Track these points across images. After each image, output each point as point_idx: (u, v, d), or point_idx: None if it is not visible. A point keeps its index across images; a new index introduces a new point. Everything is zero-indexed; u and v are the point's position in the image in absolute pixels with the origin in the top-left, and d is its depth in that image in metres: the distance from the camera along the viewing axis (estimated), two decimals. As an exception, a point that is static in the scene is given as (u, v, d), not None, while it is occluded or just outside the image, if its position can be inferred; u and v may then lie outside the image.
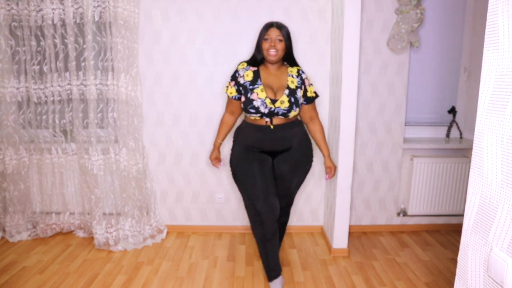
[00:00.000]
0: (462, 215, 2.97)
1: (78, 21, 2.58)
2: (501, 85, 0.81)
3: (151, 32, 2.73)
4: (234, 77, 2.15)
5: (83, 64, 2.65)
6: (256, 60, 2.12)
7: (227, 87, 2.17)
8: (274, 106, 2.03)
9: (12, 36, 2.63)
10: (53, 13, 2.57)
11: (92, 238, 2.80)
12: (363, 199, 2.97)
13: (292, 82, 2.12)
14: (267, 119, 2.08)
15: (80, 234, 2.87)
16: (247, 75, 2.11)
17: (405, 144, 2.88)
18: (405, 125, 2.98)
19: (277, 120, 2.08)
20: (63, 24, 2.60)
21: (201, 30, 2.73)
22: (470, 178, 0.94)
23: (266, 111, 2.03)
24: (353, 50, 2.38)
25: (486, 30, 0.86)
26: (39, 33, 2.62)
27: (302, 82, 2.16)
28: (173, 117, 2.85)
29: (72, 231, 2.93)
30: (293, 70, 2.17)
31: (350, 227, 2.95)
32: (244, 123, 2.20)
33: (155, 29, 2.72)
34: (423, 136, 3.05)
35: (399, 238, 2.90)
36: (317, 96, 2.24)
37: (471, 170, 0.93)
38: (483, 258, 0.89)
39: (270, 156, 2.16)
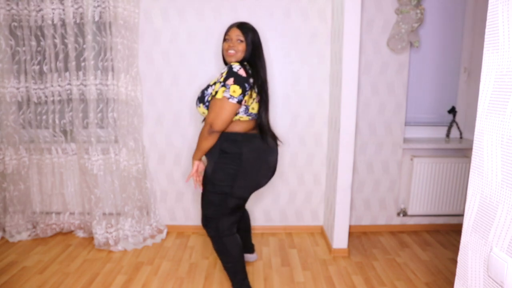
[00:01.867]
0: (462, 215, 2.97)
1: (78, 21, 2.58)
2: (501, 85, 0.81)
3: (151, 32, 2.73)
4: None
5: (83, 64, 2.65)
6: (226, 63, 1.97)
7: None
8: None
9: (12, 36, 2.63)
10: (53, 13, 2.57)
11: (92, 238, 2.80)
12: (363, 199, 2.97)
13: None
14: None
15: (80, 234, 2.87)
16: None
17: (405, 144, 2.88)
18: (405, 125, 2.98)
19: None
20: (63, 24, 2.60)
21: (201, 30, 2.73)
22: (470, 178, 0.94)
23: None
24: (353, 50, 2.38)
25: (486, 30, 0.86)
26: (39, 33, 2.62)
27: (225, 81, 1.84)
28: (173, 117, 2.85)
29: (72, 231, 2.93)
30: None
31: (350, 227, 2.95)
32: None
33: (155, 29, 2.72)
34: (423, 136, 3.06)
35: (399, 238, 2.90)
36: (216, 94, 1.85)
37: (471, 170, 0.93)
38: (483, 258, 0.89)
39: None
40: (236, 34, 1.87)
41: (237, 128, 1.88)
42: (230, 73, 1.78)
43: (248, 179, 1.90)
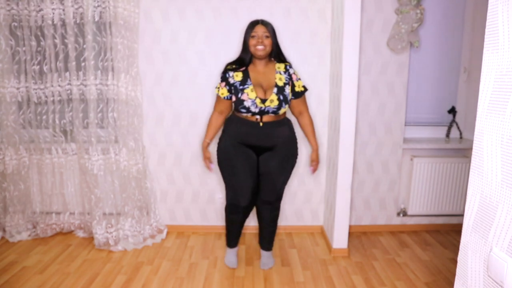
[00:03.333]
0: (462, 215, 2.97)
1: (78, 21, 2.58)
2: (501, 85, 0.81)
3: (151, 32, 2.73)
4: (224, 78, 2.19)
5: (83, 64, 2.65)
6: (244, 61, 2.15)
7: (218, 88, 2.21)
8: (264, 105, 2.09)
9: (12, 36, 2.63)
10: (53, 13, 2.57)
11: (92, 238, 2.80)
12: (363, 199, 2.97)
13: (280, 79, 2.16)
14: (258, 117, 2.14)
15: (80, 234, 2.87)
16: (236, 75, 2.15)
17: (405, 144, 2.88)
18: (405, 125, 2.98)
19: (266, 118, 2.15)
20: (63, 24, 2.60)
21: (201, 30, 2.73)
22: (470, 178, 0.94)
23: (257, 110, 2.10)
24: (353, 50, 2.38)
25: (486, 30, 0.86)
26: (39, 33, 2.62)
27: (290, 77, 2.20)
28: (173, 117, 2.85)
29: (72, 231, 2.93)
30: (281, 66, 2.20)
31: (350, 227, 2.95)
32: (234, 116, 2.23)
33: (155, 29, 2.72)
34: (423, 136, 3.05)
35: (399, 238, 2.90)
36: (305, 90, 2.26)
37: (471, 170, 0.93)
38: (483, 258, 0.89)
39: (256, 153, 2.23)
40: (263, 30, 2.06)
41: None
42: (293, 70, 2.22)
43: None
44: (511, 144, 0.78)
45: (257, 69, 2.17)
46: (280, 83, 2.14)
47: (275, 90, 2.12)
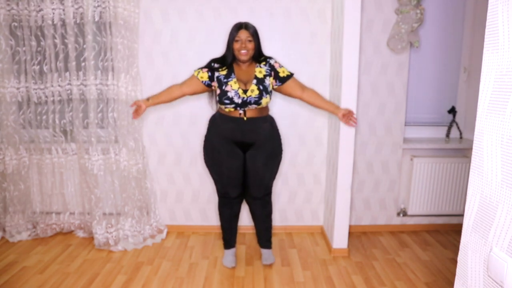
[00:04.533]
0: (462, 215, 2.97)
1: (78, 21, 2.58)
2: (501, 85, 0.81)
3: (151, 32, 2.73)
4: (209, 66, 2.24)
5: (83, 64, 2.65)
6: (226, 60, 2.21)
7: (199, 71, 2.24)
8: (246, 95, 2.16)
9: (12, 36, 2.63)
10: (53, 13, 2.57)
11: (92, 238, 2.80)
12: (363, 199, 2.97)
13: (260, 72, 2.23)
14: (241, 111, 2.20)
15: (80, 234, 2.87)
16: (222, 70, 2.22)
17: (405, 144, 2.88)
18: (405, 125, 2.98)
19: (250, 113, 2.22)
20: (63, 24, 2.60)
21: (201, 30, 2.73)
22: (470, 178, 0.94)
23: (240, 101, 2.17)
24: (353, 50, 2.38)
25: (486, 30, 0.86)
26: (39, 33, 2.62)
27: (271, 67, 2.26)
28: (173, 117, 2.85)
29: (72, 231, 2.93)
30: (261, 61, 2.26)
31: (350, 227, 2.95)
32: (218, 113, 2.30)
33: (155, 29, 2.72)
34: (423, 136, 3.05)
35: (399, 238, 2.90)
36: (291, 74, 2.28)
37: (471, 170, 0.93)
38: (483, 258, 0.89)
39: (242, 149, 2.28)
40: (246, 35, 2.13)
41: None
42: (274, 60, 2.28)
43: None
44: (511, 144, 0.78)
45: (240, 67, 2.25)
46: (260, 75, 2.22)
47: (254, 81, 2.19)
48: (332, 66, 2.71)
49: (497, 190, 0.83)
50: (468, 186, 0.94)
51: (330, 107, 2.30)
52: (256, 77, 2.21)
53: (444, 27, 2.93)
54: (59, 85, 2.67)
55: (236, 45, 2.14)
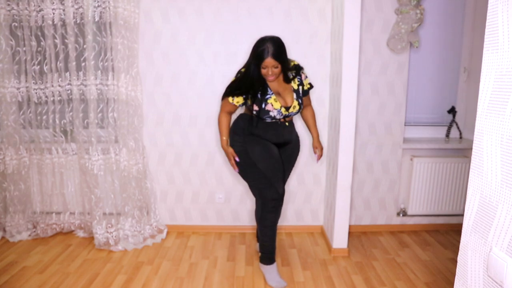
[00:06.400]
0: (462, 215, 2.97)
1: (78, 21, 2.58)
2: (501, 85, 0.81)
3: (151, 32, 2.73)
4: (242, 94, 2.15)
5: (83, 64, 2.65)
6: (255, 86, 2.13)
7: (232, 98, 2.15)
8: (288, 112, 2.18)
9: (13, 36, 2.63)
10: (53, 13, 2.57)
11: (92, 238, 2.80)
12: (363, 199, 2.97)
13: (294, 82, 2.22)
14: (283, 119, 2.25)
15: (80, 234, 2.87)
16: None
17: (405, 144, 2.88)
18: (405, 125, 2.98)
19: (289, 117, 2.29)
20: (63, 24, 2.60)
21: (201, 30, 2.73)
22: (470, 178, 0.94)
23: (281, 117, 2.19)
24: (353, 50, 2.38)
25: (486, 30, 0.86)
26: (39, 33, 2.62)
27: (300, 78, 2.25)
28: (173, 117, 2.85)
29: (72, 231, 2.93)
30: (292, 69, 2.22)
31: (350, 227, 2.95)
32: (256, 120, 2.18)
33: (155, 29, 2.72)
34: (423, 136, 3.06)
35: (399, 238, 2.90)
36: (311, 86, 2.30)
37: (471, 170, 0.94)
38: (483, 258, 0.89)
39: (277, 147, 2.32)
40: (272, 64, 2.06)
41: None
42: (302, 70, 2.28)
43: None
44: (511, 144, 0.78)
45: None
46: (295, 86, 2.22)
47: (294, 95, 2.20)
48: (332, 66, 2.71)
49: (497, 190, 0.83)
50: (468, 186, 0.94)
51: (315, 133, 2.42)
52: (294, 90, 2.21)
53: (444, 27, 2.93)
54: (59, 85, 2.67)
55: (263, 71, 2.09)
